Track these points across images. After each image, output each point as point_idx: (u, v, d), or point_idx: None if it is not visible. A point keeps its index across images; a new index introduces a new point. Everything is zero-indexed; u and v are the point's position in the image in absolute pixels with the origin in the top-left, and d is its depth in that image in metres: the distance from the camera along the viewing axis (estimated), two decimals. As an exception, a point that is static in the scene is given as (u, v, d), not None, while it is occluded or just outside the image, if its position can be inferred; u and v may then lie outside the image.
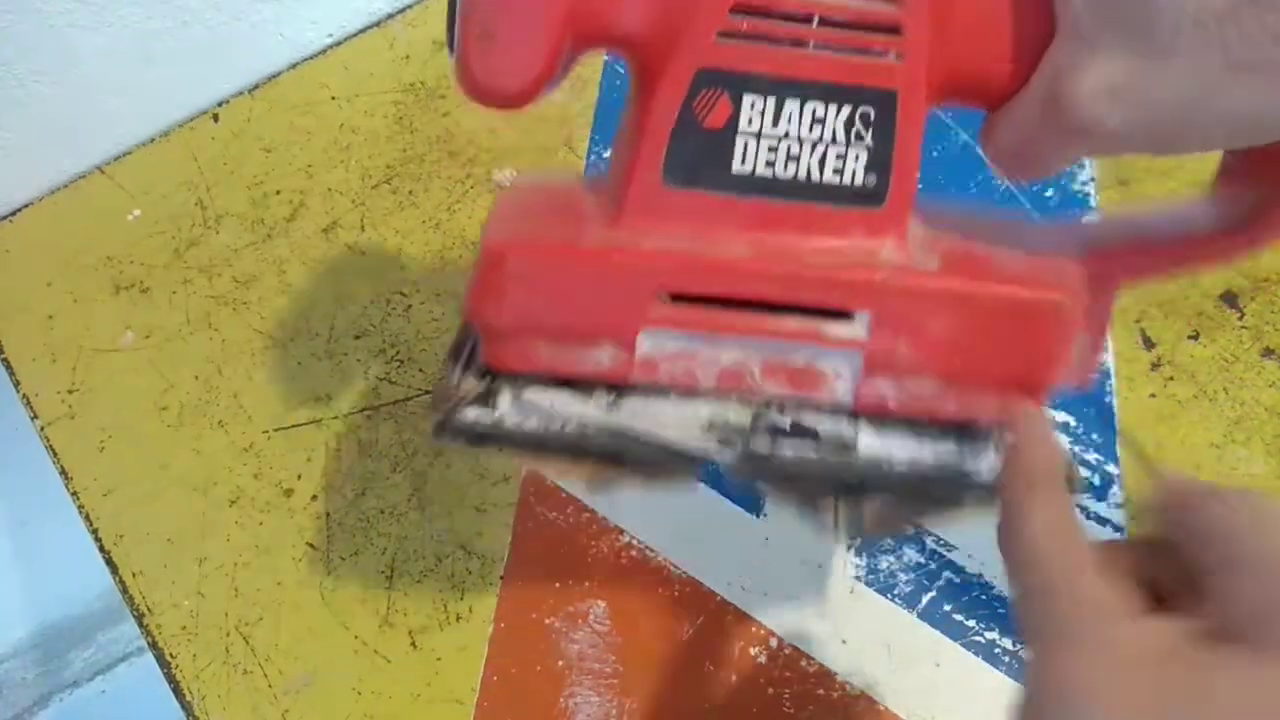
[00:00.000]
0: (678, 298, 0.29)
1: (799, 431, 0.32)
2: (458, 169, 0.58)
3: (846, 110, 0.28)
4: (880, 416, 0.31)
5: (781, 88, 0.28)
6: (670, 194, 0.29)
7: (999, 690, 0.43)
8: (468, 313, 0.31)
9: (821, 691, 0.44)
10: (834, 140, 0.28)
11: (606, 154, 0.58)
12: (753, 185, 0.29)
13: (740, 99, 0.28)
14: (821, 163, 0.28)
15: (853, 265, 0.29)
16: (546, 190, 0.35)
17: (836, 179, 0.29)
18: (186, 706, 0.47)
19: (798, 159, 0.28)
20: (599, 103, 0.60)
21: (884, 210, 0.29)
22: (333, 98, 0.62)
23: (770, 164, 0.28)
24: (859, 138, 0.28)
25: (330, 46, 0.64)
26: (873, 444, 0.32)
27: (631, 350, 0.30)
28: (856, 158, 0.28)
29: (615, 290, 0.29)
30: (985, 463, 0.32)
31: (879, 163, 0.28)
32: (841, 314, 0.29)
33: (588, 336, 0.31)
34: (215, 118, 0.62)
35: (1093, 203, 0.53)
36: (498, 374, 0.32)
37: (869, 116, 0.28)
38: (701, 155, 0.28)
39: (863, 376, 0.30)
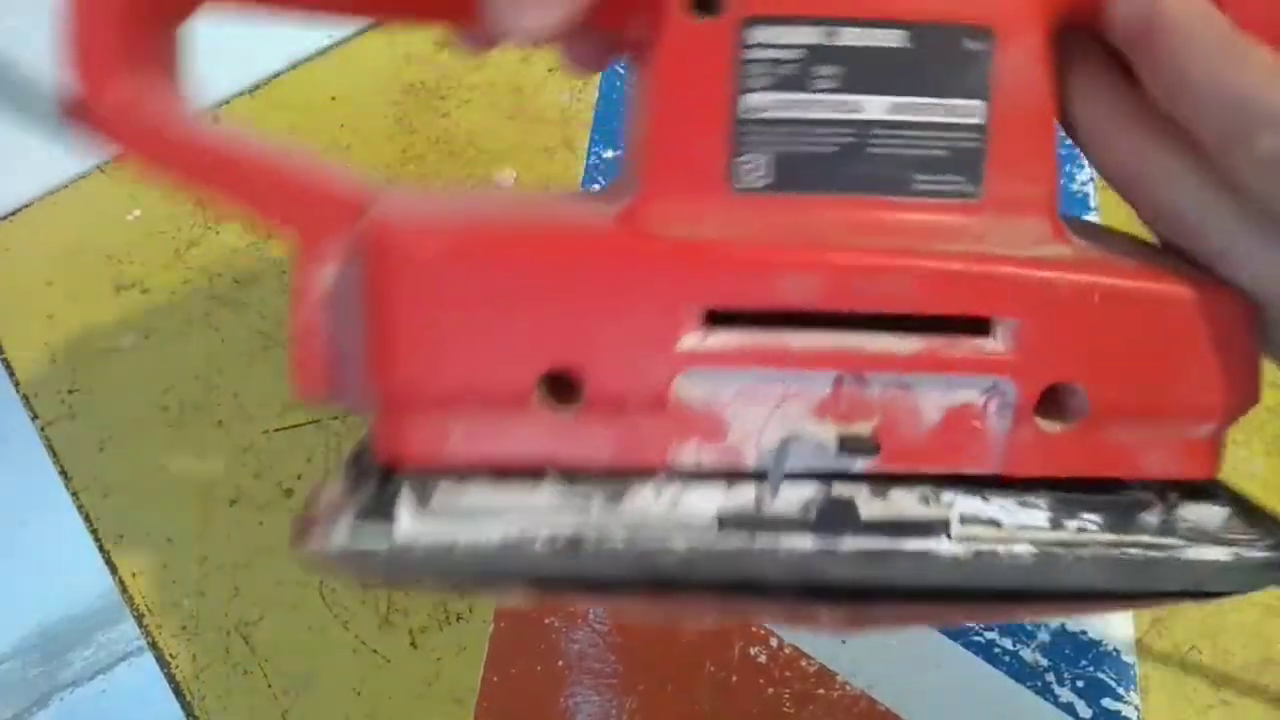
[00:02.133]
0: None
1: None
2: (458, 169, 0.59)
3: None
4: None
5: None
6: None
7: (999, 690, 0.43)
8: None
9: (822, 691, 0.44)
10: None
11: (606, 154, 0.58)
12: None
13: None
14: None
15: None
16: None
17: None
18: (186, 706, 0.47)
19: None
20: (599, 103, 0.60)
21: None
22: (333, 98, 0.62)
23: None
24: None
25: (330, 47, 0.64)
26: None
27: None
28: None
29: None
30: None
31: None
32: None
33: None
34: (215, 118, 0.62)
35: (1093, 203, 0.53)
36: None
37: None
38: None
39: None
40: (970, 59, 0.21)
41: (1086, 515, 0.22)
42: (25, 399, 0.54)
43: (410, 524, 0.21)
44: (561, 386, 0.21)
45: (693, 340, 0.21)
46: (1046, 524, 0.22)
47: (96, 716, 0.96)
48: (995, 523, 0.22)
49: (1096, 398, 0.21)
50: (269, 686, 0.47)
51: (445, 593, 0.21)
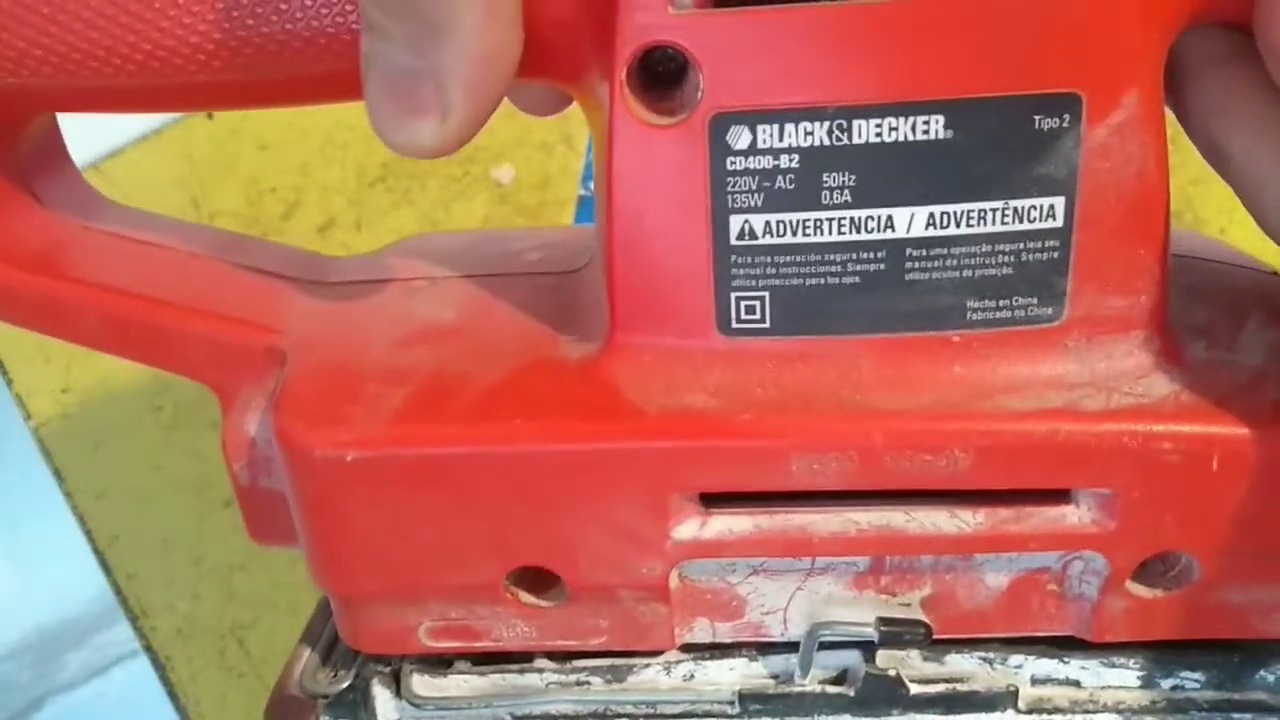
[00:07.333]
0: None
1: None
2: (454, 166, 0.58)
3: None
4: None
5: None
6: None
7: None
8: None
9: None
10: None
11: (605, 151, 0.57)
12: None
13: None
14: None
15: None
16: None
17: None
18: (181, 710, 0.47)
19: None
20: (597, 99, 0.60)
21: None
22: (328, 95, 0.62)
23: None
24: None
25: (326, 43, 0.64)
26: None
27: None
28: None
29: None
30: None
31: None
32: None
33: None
34: (210, 115, 0.62)
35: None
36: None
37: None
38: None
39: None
40: (1046, 142, 0.15)
41: (1186, 673, 0.18)
42: (18, 399, 0.54)
43: (390, 712, 0.19)
44: (537, 579, 0.18)
45: (690, 529, 0.17)
46: (1137, 683, 0.18)
47: None
48: (1074, 683, 0.18)
49: (1209, 565, 0.17)
50: (265, 690, 0.46)
51: None
